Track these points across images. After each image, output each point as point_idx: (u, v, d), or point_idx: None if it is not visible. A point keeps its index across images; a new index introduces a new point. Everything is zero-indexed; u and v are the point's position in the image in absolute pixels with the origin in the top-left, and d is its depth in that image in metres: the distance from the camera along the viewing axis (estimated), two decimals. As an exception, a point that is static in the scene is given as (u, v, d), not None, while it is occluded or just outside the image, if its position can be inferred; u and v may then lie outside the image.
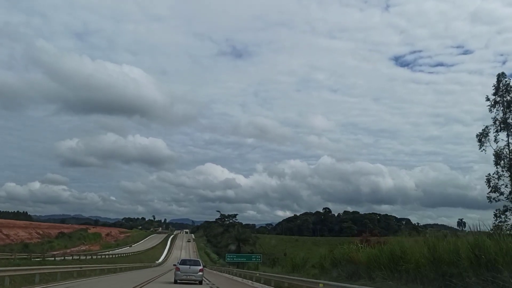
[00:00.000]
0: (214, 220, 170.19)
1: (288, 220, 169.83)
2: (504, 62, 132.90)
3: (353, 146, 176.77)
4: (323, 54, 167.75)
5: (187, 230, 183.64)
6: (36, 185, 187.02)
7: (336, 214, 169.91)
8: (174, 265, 24.60)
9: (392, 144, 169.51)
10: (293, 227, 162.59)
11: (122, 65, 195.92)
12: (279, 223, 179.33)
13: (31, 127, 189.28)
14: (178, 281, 22.37)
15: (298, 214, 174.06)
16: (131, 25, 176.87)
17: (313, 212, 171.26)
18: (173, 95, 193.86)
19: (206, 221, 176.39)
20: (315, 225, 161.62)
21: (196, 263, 24.18)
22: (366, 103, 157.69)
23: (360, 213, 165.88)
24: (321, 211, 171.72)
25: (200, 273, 22.92)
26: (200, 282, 22.95)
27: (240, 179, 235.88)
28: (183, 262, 24.14)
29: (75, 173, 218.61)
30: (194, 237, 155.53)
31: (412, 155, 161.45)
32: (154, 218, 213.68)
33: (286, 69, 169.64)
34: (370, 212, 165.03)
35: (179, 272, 22.54)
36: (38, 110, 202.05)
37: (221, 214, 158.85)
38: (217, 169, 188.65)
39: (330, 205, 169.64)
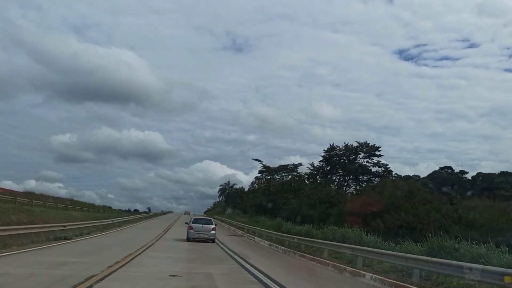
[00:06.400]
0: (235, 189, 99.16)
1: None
2: (510, 56, 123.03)
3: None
4: (326, 47, 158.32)
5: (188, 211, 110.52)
6: (32, 183, 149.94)
7: (469, 177, 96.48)
8: (187, 223, 25.05)
9: (395, 141, 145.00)
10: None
11: (111, 48, 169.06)
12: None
13: (22, 120, 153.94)
14: (191, 239, 22.95)
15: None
16: (130, 18, 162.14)
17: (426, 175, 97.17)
18: (171, 83, 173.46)
19: (224, 186, 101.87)
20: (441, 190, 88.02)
21: (208, 222, 24.52)
22: (369, 99, 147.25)
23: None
24: (439, 169, 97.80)
25: (213, 231, 23.43)
26: (213, 241, 23.25)
27: (241, 176, 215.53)
28: (196, 220, 24.40)
29: (70, 169, 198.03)
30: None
31: (415, 152, 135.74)
32: (150, 211, 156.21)
33: (287, 64, 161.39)
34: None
35: (192, 231, 23.11)
36: (27, 99, 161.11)
37: (264, 165, 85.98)
38: (216, 166, 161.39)
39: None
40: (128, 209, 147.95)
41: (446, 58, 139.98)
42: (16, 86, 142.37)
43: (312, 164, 53.32)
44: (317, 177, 49.89)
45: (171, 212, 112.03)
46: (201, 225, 23.47)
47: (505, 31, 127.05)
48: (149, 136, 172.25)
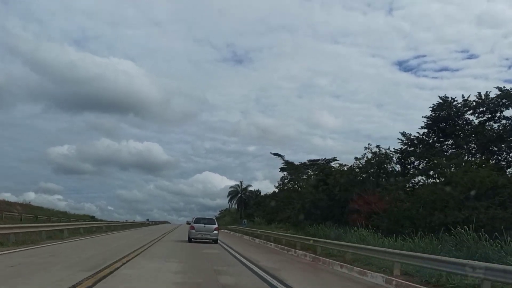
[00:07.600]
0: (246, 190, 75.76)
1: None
2: (509, 67, 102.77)
3: (355, 153, 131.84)
4: (326, 58, 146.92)
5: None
6: (31, 195, 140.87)
7: None
8: (188, 223, 23.99)
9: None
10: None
11: (110, 57, 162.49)
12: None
13: (21, 131, 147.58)
14: (192, 239, 21.99)
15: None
16: (130, 31, 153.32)
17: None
18: (170, 94, 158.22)
19: (235, 188, 79.59)
20: None
21: (211, 221, 23.20)
22: (369, 109, 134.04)
23: None
24: None
25: (215, 232, 22.38)
26: (215, 241, 22.08)
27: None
28: (198, 220, 23.04)
29: (69, 181, 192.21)
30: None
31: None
32: (148, 220, 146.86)
33: (288, 75, 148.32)
34: None
35: (193, 231, 22.12)
36: (25, 110, 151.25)
37: (286, 162, 63.30)
38: (216, 178, 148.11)
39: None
40: (126, 220, 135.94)
41: (445, 69, 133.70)
42: (14, 96, 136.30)
43: (406, 135, 30.05)
44: (414, 155, 27.78)
45: (167, 222, 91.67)
46: (203, 225, 22.42)
47: (504, 42, 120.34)
48: (148, 147, 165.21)
